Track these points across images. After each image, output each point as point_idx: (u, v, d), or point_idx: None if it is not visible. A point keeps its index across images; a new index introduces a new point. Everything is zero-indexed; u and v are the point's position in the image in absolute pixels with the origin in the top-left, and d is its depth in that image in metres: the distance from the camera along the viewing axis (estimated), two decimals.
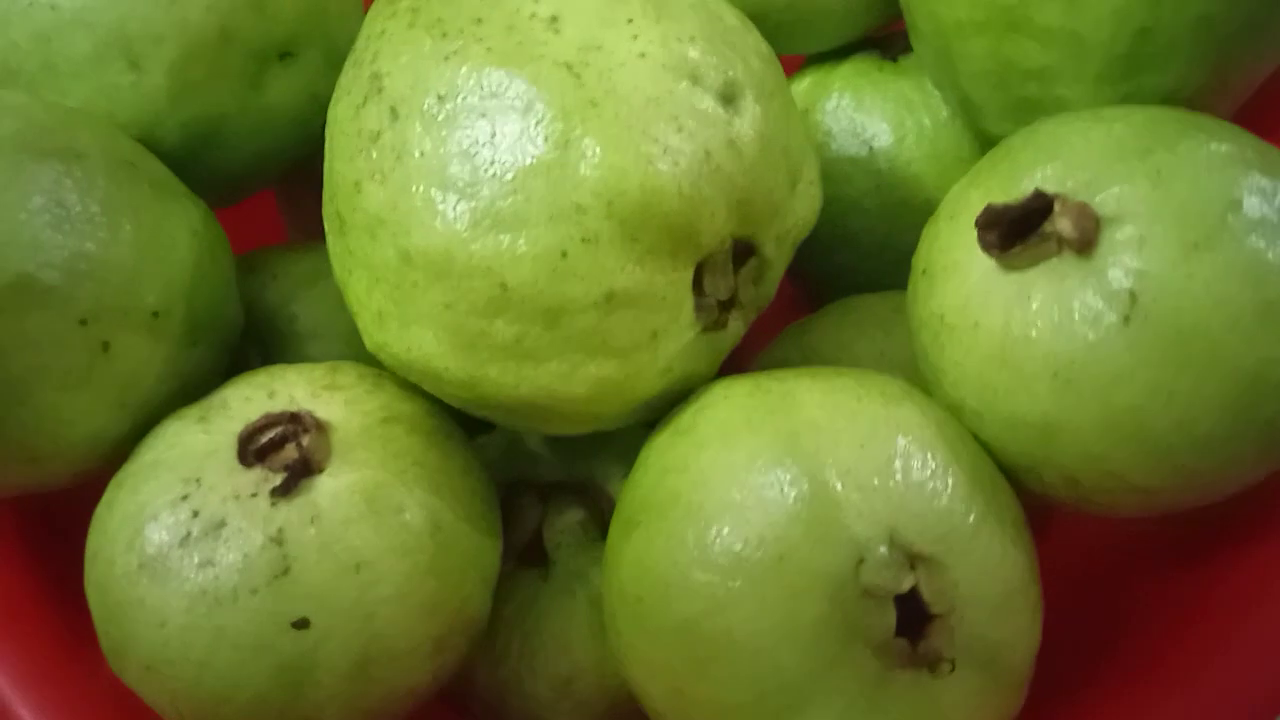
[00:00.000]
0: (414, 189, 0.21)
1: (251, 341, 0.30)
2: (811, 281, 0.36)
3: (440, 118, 0.21)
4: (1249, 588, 0.23)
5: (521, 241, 0.21)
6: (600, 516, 0.29)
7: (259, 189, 0.32)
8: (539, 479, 0.29)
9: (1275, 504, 0.24)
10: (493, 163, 0.21)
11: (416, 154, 0.21)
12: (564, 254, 0.21)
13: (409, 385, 0.25)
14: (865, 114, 0.33)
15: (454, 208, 0.21)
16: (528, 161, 0.21)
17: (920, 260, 0.25)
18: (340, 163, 0.23)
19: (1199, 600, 0.24)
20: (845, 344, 0.30)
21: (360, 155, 0.22)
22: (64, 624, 0.26)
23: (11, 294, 0.21)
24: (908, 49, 0.33)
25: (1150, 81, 0.25)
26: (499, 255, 0.21)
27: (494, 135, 0.21)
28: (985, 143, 0.29)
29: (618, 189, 0.20)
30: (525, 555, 0.28)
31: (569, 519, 0.28)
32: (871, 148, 0.33)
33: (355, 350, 0.26)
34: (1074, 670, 0.24)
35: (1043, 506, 0.26)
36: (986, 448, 0.23)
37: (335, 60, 0.28)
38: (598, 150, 0.20)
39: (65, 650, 0.25)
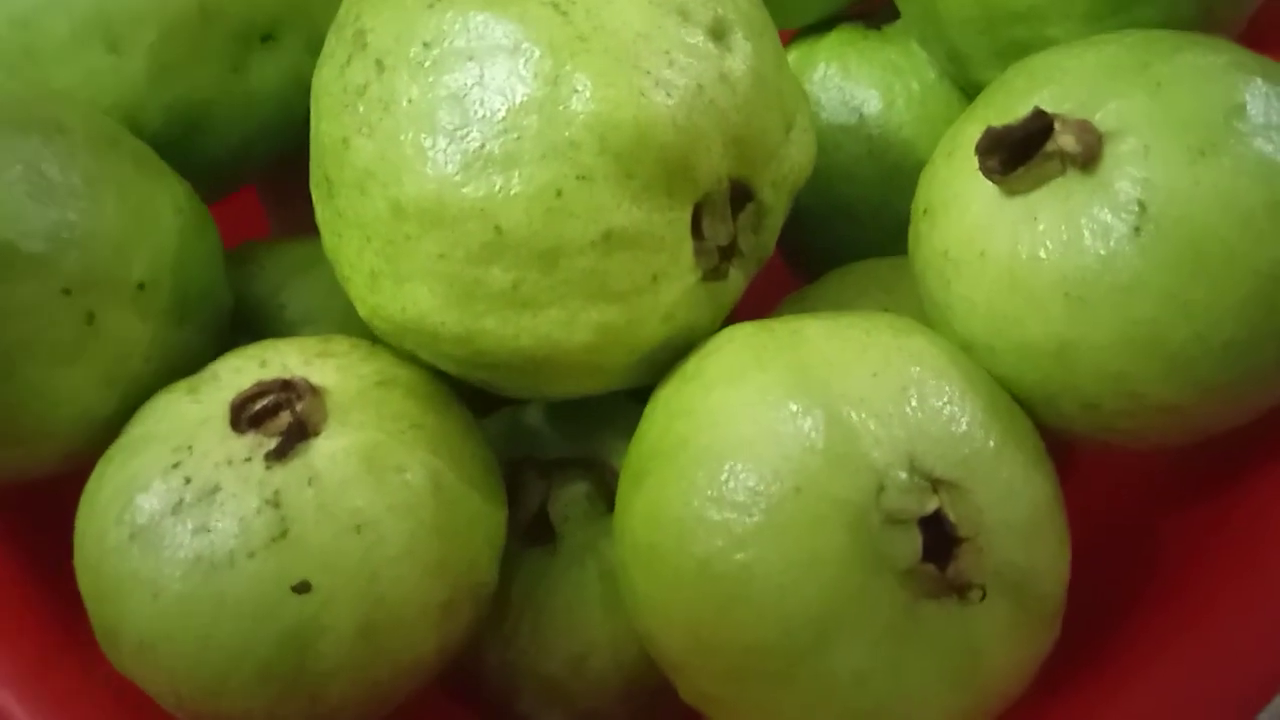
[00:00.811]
0: (403, 138, 0.21)
1: (241, 331, 0.29)
2: (808, 257, 0.35)
3: (427, 64, 0.21)
4: (1269, 515, 0.23)
5: (515, 181, 0.20)
6: (606, 490, 0.28)
7: (244, 182, 0.32)
8: (542, 456, 0.28)
9: None
10: (482, 104, 0.20)
11: (404, 102, 0.21)
12: (559, 192, 0.20)
13: (404, 355, 0.24)
14: (853, 82, 0.33)
15: (444, 152, 0.20)
16: (518, 100, 0.20)
17: (920, 202, 0.25)
18: (326, 123, 0.23)
19: (1218, 532, 0.23)
20: (847, 304, 0.29)
21: (346, 111, 0.22)
22: (56, 622, 0.25)
23: None
24: (891, 18, 0.33)
25: (1138, 16, 0.25)
26: (492, 197, 0.20)
27: (482, 77, 0.20)
28: (975, 97, 0.28)
29: (611, 122, 0.20)
30: (531, 533, 0.27)
31: (575, 492, 0.27)
32: (861, 114, 0.33)
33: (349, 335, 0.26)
34: (1098, 609, 0.23)
35: (1064, 451, 0.25)
36: (1001, 383, 0.22)
37: (317, 45, 0.27)
38: (589, 84, 0.20)
39: (58, 647, 0.24)
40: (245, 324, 0.29)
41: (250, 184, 0.33)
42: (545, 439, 0.29)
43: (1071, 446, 0.27)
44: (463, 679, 0.27)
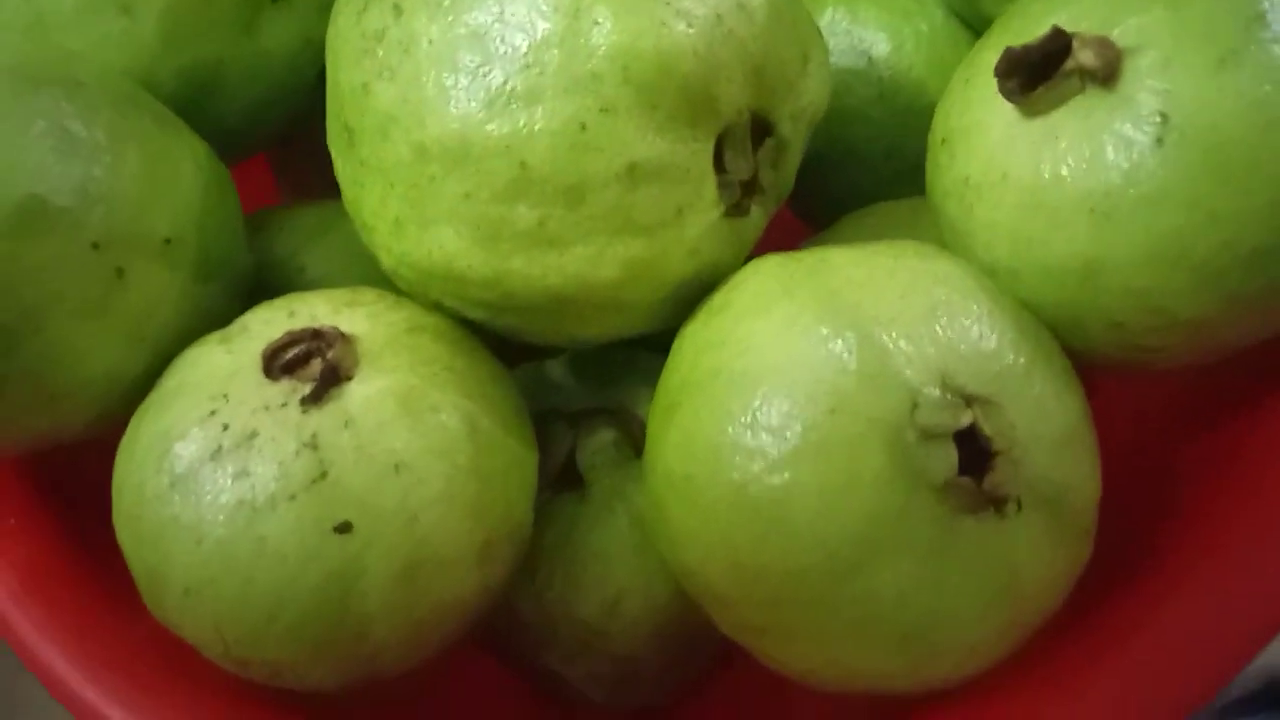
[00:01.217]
0: (424, 79, 0.21)
1: (263, 297, 0.29)
2: (820, 204, 0.35)
3: (446, 3, 0.21)
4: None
5: (539, 116, 0.20)
6: (632, 437, 0.28)
7: (256, 148, 0.32)
8: (566, 407, 0.29)
9: None
10: (503, 40, 0.20)
11: (424, 43, 0.21)
12: (583, 126, 0.20)
13: (430, 305, 0.24)
14: (861, 26, 0.33)
15: (467, 90, 0.20)
16: (539, 35, 0.20)
17: (937, 132, 0.25)
18: (344, 72, 0.23)
19: (1234, 458, 0.24)
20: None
21: (366, 57, 0.22)
22: (96, 584, 0.25)
23: (22, 217, 0.20)
24: None
25: None
26: (516, 134, 0.20)
27: (502, 13, 0.20)
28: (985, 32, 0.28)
29: (633, 53, 0.20)
30: (560, 482, 0.27)
31: (601, 439, 0.28)
32: (870, 57, 0.33)
33: None
34: (1122, 535, 0.24)
35: (1084, 380, 0.26)
36: (1026, 306, 0.22)
37: (327, 4, 0.27)
38: (609, 16, 0.20)
39: (101, 605, 0.24)
40: (266, 288, 0.29)
41: (261, 151, 0.33)
42: (569, 391, 0.29)
43: (1091, 375, 0.27)
44: (495, 633, 0.28)
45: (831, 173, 0.34)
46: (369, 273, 0.25)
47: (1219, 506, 0.23)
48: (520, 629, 0.27)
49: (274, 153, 0.36)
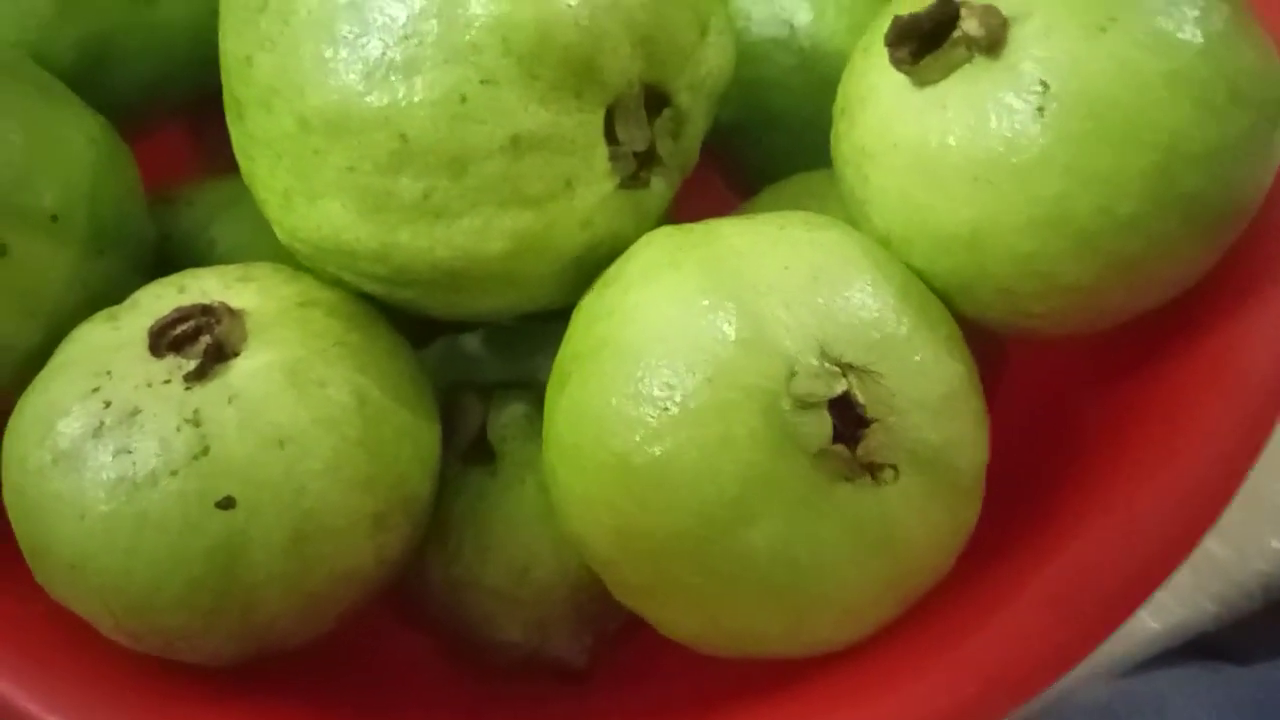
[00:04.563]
0: (303, 50, 0.21)
1: (172, 269, 0.29)
2: (746, 172, 0.35)
3: None
4: (1184, 398, 0.23)
5: (418, 88, 0.20)
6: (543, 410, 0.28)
7: (163, 119, 0.32)
8: (481, 380, 0.29)
9: (1207, 309, 0.23)
10: (381, 11, 0.20)
11: (303, 13, 0.21)
12: (463, 98, 0.20)
13: (328, 279, 0.24)
14: None
15: (345, 61, 0.20)
16: (417, 6, 0.20)
17: (840, 102, 0.25)
18: (230, 41, 0.22)
19: (1137, 415, 0.24)
20: None
21: (248, 27, 0.22)
22: None
23: None
24: None
25: None
26: (395, 105, 0.20)
27: None
28: None
29: (512, 23, 0.20)
30: (472, 454, 0.27)
31: (513, 412, 0.28)
32: (792, 26, 0.33)
33: None
34: (1023, 490, 0.24)
35: (994, 356, 0.26)
36: (920, 275, 0.23)
37: None
38: None
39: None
40: (175, 261, 0.29)
41: (170, 122, 0.33)
42: (483, 363, 0.29)
43: (1002, 345, 0.28)
44: (412, 601, 0.28)
45: (755, 141, 0.33)
46: (280, 246, 0.25)
47: (1114, 467, 0.24)
48: (433, 596, 0.27)
49: (187, 123, 0.35)
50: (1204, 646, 0.35)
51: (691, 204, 0.27)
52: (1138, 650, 0.34)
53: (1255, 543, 0.35)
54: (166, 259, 0.28)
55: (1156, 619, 0.34)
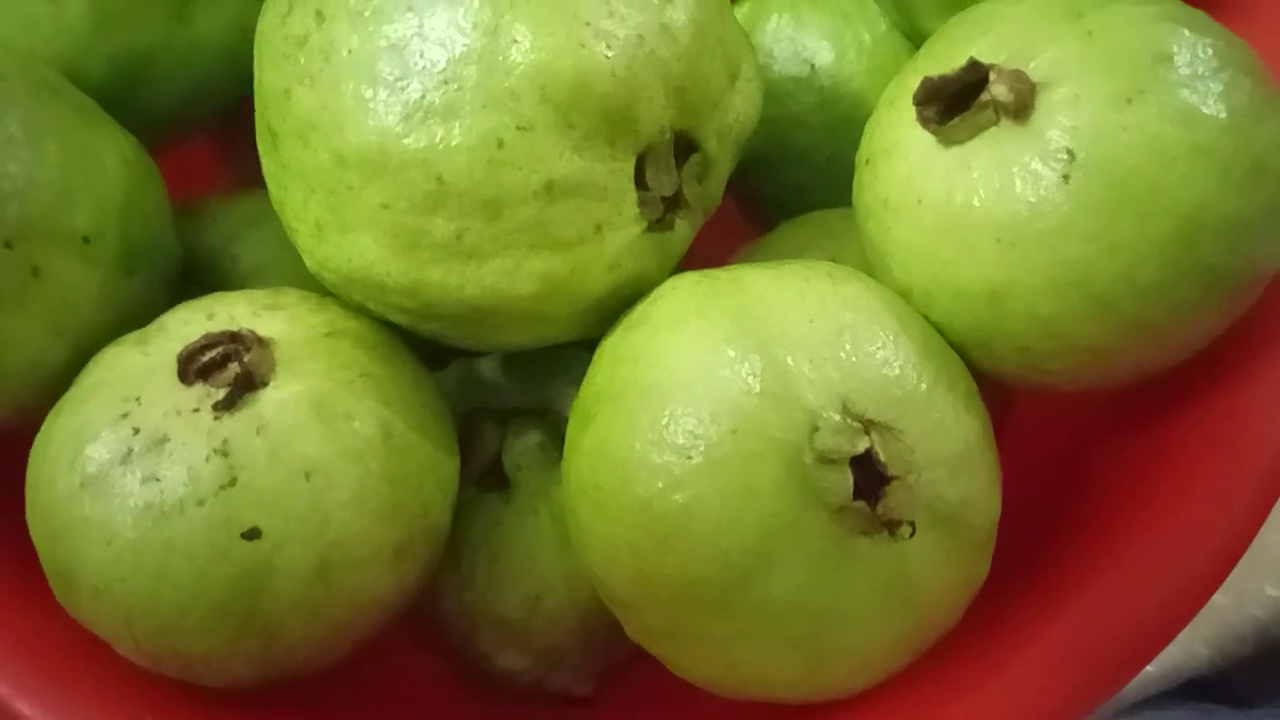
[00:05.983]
0: (344, 88, 0.21)
1: (194, 284, 0.29)
2: (763, 205, 0.35)
3: (366, 14, 0.21)
4: (1194, 455, 0.24)
5: (455, 132, 0.20)
6: (559, 438, 0.28)
7: (191, 134, 0.32)
8: (497, 406, 0.29)
9: (1220, 370, 0.24)
10: (422, 55, 0.20)
11: (344, 52, 0.21)
12: (500, 143, 0.20)
13: (354, 307, 0.24)
14: (805, 32, 0.33)
15: (385, 103, 0.21)
16: (457, 51, 0.20)
17: (863, 152, 0.25)
18: (268, 73, 0.23)
19: (1150, 469, 0.24)
20: (795, 253, 0.30)
21: (288, 61, 0.22)
22: (14, 577, 0.25)
23: None
24: None
25: None
26: (433, 147, 0.20)
27: (421, 27, 0.20)
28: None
29: (551, 72, 0.20)
30: (487, 480, 0.28)
31: (528, 441, 0.28)
32: (813, 65, 0.33)
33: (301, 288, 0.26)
34: (1032, 544, 0.24)
35: (1003, 401, 0.26)
36: (937, 328, 0.23)
37: None
38: (528, 35, 0.20)
39: (17, 596, 0.24)
40: (198, 277, 0.29)
41: (199, 135, 0.33)
42: (500, 390, 0.29)
43: (1012, 391, 0.28)
44: (424, 623, 0.28)
45: (774, 175, 0.34)
46: (302, 264, 0.25)
47: (1124, 523, 0.24)
48: (446, 620, 0.28)
49: (214, 136, 0.36)
50: (1196, 689, 0.36)
51: (706, 229, 0.27)
52: (1130, 692, 0.35)
53: (1252, 590, 0.35)
54: (188, 272, 0.28)
55: (1150, 662, 0.34)
